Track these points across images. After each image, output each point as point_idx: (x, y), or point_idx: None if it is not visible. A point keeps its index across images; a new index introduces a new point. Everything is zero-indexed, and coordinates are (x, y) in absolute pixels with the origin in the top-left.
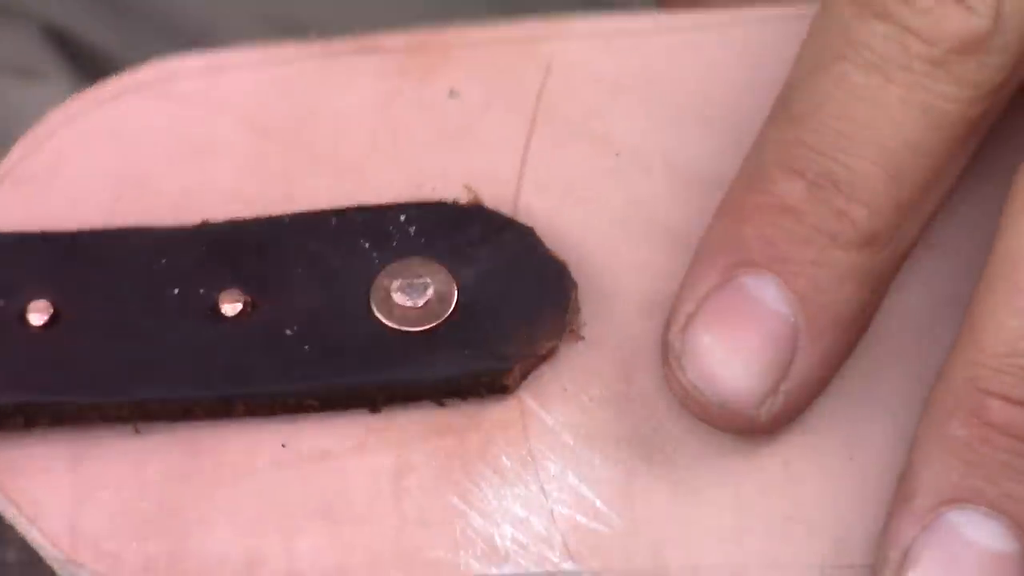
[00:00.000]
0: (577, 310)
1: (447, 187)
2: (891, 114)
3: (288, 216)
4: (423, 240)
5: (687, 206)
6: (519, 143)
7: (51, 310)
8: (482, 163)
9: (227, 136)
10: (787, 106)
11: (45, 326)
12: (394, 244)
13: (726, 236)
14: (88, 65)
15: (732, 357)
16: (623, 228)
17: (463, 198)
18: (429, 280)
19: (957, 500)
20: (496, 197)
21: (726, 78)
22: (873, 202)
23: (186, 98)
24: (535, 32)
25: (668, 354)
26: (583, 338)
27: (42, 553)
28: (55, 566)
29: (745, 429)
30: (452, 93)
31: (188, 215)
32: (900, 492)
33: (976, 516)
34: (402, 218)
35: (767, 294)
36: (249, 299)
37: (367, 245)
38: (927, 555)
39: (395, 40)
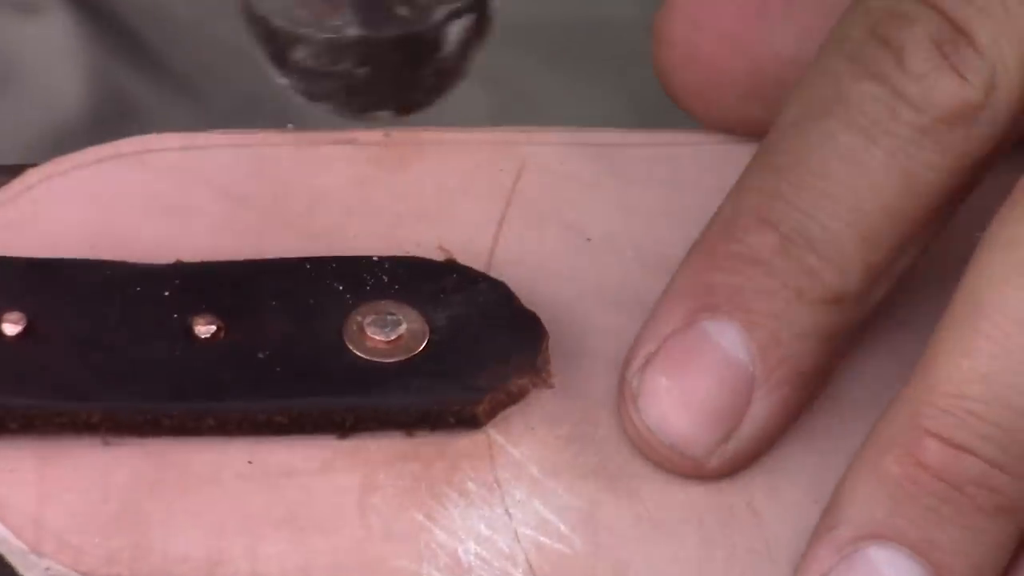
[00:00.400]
0: (547, 359)
1: (420, 254)
2: (872, 177)
3: (261, 260)
4: (397, 287)
5: (659, 284)
6: (492, 223)
7: (25, 321)
8: (455, 237)
9: (201, 200)
10: (770, 154)
11: (19, 336)
12: (368, 289)
13: (694, 280)
14: (87, 0)
15: (686, 403)
16: (594, 299)
17: (438, 258)
18: (402, 318)
19: (879, 536)
20: (469, 265)
21: (698, 184)
22: (844, 263)
23: (162, 168)
24: (509, 137)
25: (625, 392)
26: (553, 386)
27: (3, 549)
28: (17, 562)
29: (694, 473)
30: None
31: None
32: (824, 520)
33: (896, 555)
34: (376, 267)
35: (727, 341)
36: (222, 324)
37: (340, 288)
38: None
39: (370, 135)
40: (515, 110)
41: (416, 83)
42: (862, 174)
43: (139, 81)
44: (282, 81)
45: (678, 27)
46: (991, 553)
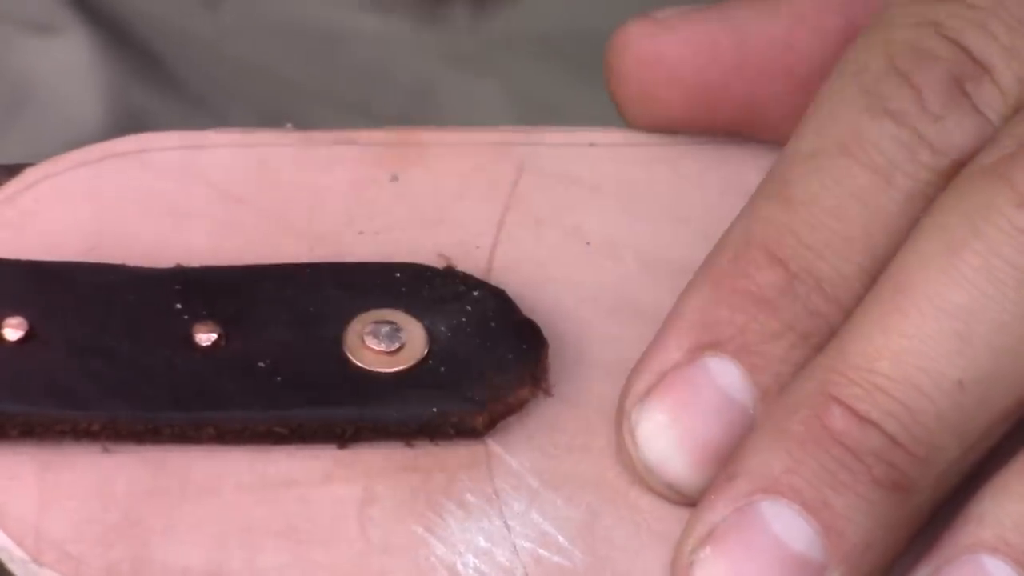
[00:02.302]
0: (547, 368)
1: (420, 260)
2: (886, 220)
3: (262, 266)
4: (397, 295)
5: (658, 289)
6: (491, 228)
7: (26, 327)
8: (454, 241)
9: (202, 201)
10: (783, 186)
11: (20, 342)
12: (368, 296)
13: (699, 314)
14: (103, 19)
15: (684, 444)
16: (593, 305)
17: (437, 264)
18: (401, 327)
19: (774, 492)
20: (467, 271)
21: (698, 184)
22: (851, 306)
23: (164, 168)
24: (509, 137)
25: (623, 422)
26: (552, 394)
27: (4, 557)
28: (18, 571)
29: (693, 506)
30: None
31: (161, 265)
32: (724, 471)
33: (788, 512)
34: (376, 274)
35: (729, 381)
36: (223, 332)
37: (340, 295)
38: (731, 537)
39: (372, 135)
40: (538, 121)
41: None
42: (877, 217)
43: (156, 100)
44: None
45: (628, 63)
46: (883, 528)
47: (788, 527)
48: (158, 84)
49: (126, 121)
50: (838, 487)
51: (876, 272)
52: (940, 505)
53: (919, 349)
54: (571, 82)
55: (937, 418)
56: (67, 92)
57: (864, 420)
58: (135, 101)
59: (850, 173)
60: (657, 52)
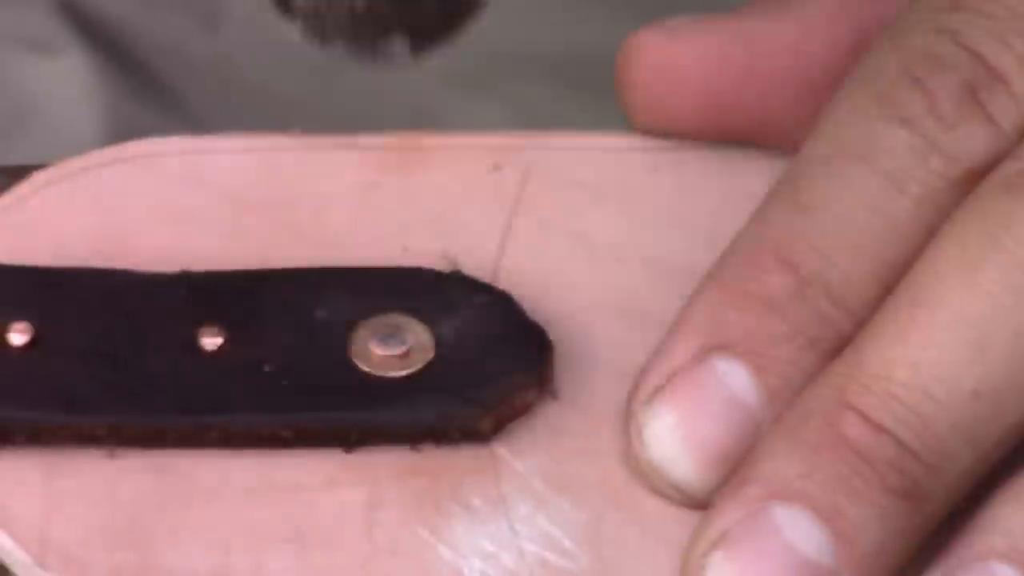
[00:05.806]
0: (552, 371)
1: (426, 264)
2: (897, 227)
3: (267, 270)
4: (402, 299)
5: (663, 293)
6: (497, 232)
7: (31, 332)
8: (460, 246)
9: (207, 206)
10: (795, 191)
11: (25, 347)
12: (373, 300)
13: (708, 316)
14: (103, 38)
15: (691, 445)
16: (599, 309)
17: (443, 268)
18: (407, 331)
19: (786, 497)
20: (473, 276)
21: (703, 189)
22: (860, 311)
23: (168, 173)
24: (514, 142)
25: (631, 425)
26: (558, 397)
27: (8, 561)
28: (23, 574)
29: (698, 508)
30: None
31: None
32: (737, 475)
33: (801, 518)
34: (382, 278)
35: (737, 383)
36: (228, 336)
37: (346, 299)
38: (742, 541)
39: (374, 140)
40: None
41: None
42: (888, 223)
43: (155, 121)
44: (294, 31)
45: (639, 71)
46: (895, 536)
47: (800, 533)
48: (158, 104)
49: (126, 141)
50: (851, 494)
51: (887, 278)
52: (952, 512)
53: (935, 359)
54: (572, 103)
55: (951, 427)
56: (67, 112)
57: (878, 428)
58: (135, 121)
59: (862, 179)
60: (668, 60)
